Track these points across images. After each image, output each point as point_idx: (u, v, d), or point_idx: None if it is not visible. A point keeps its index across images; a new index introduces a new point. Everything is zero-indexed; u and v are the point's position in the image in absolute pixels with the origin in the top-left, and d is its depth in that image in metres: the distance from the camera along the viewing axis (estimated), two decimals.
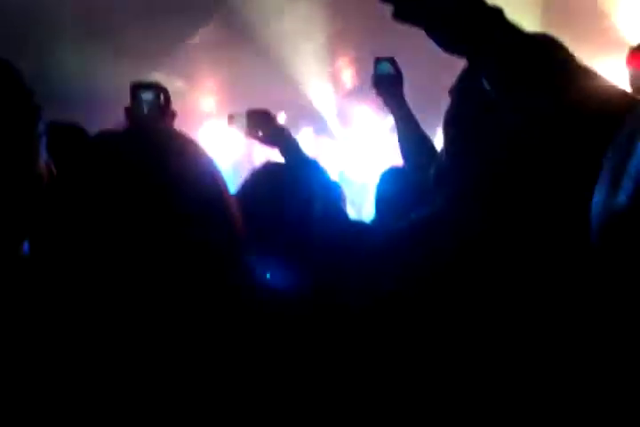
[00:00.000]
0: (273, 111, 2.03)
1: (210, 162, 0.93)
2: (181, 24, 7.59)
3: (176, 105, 1.96)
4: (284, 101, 8.00)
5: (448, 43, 0.84)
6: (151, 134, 0.94)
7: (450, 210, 1.07)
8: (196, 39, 7.98)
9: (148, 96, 1.88)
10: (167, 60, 7.68)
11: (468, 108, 1.11)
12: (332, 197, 1.84)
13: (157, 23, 7.29)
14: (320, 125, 8.94)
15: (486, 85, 0.84)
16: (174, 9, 7.11)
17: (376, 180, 2.23)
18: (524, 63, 0.80)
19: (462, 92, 1.12)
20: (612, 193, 0.55)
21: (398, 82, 2.00)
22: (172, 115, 1.93)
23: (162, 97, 1.90)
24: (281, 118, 9.54)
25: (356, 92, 7.78)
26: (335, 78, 8.31)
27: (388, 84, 1.98)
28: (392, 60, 2.02)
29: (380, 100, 2.01)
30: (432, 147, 1.86)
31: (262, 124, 1.95)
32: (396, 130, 1.97)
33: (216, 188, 0.91)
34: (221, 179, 0.93)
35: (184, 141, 0.93)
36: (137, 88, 1.90)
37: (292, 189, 1.69)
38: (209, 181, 0.90)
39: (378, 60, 2.02)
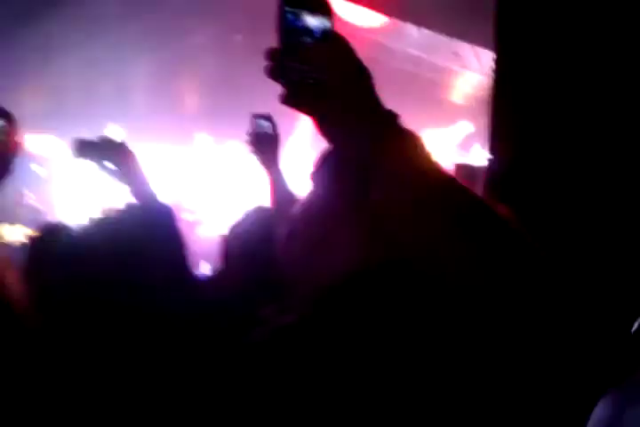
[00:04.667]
0: None
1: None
2: None
3: None
4: None
5: (334, 136, 0.75)
6: None
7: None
8: None
9: None
10: None
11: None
12: (178, 250, 1.58)
13: None
14: None
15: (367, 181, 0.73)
16: None
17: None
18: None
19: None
20: None
21: (274, 141, 1.87)
22: (16, 145, 1.59)
23: (7, 126, 1.57)
24: None
25: None
26: None
27: (264, 142, 1.86)
28: (270, 119, 1.88)
29: (255, 158, 1.87)
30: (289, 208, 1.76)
31: (117, 158, 1.66)
32: (269, 184, 1.85)
33: None
34: None
35: None
36: None
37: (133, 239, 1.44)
38: None
39: (255, 118, 1.87)
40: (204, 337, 1.35)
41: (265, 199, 1.92)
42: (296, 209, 1.27)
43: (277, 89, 0.75)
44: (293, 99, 0.72)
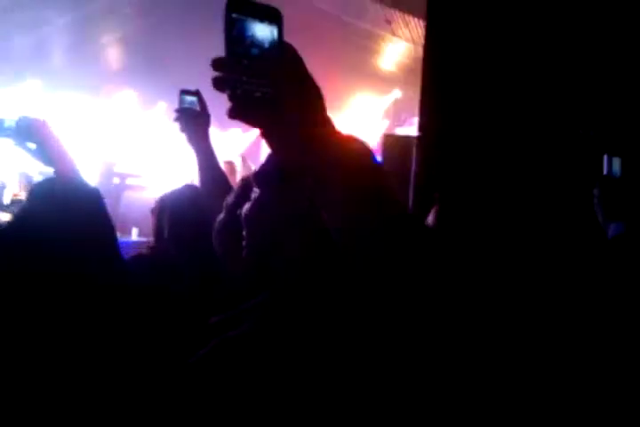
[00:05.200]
0: None
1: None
2: None
3: None
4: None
5: (279, 149, 0.72)
6: None
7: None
8: None
9: None
10: None
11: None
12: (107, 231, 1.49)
13: None
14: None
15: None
16: None
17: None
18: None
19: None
20: None
21: (203, 118, 1.78)
22: None
23: None
24: None
25: None
26: None
27: (192, 119, 1.76)
28: (198, 94, 1.78)
29: (184, 136, 1.78)
30: (228, 186, 1.71)
31: (34, 136, 1.53)
32: (196, 163, 1.78)
33: None
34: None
35: None
36: None
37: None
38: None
39: (183, 93, 1.78)
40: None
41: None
42: (232, 197, 1.24)
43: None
44: (238, 113, 0.68)
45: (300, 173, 0.72)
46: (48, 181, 1.48)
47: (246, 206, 0.99)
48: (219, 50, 0.71)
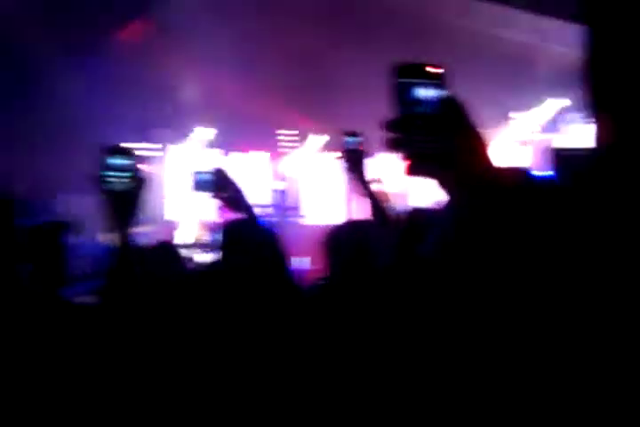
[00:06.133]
0: None
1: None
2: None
3: None
4: None
5: (455, 196, 0.77)
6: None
7: None
8: None
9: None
10: None
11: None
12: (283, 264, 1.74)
13: None
14: None
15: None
16: None
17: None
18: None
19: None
20: None
21: (363, 155, 1.86)
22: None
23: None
24: None
25: None
26: None
27: (354, 159, 1.85)
28: (356, 134, 1.88)
29: (347, 174, 1.87)
30: (384, 213, 1.79)
31: (229, 186, 1.72)
32: (363, 195, 1.89)
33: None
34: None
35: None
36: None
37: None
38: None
39: (345, 135, 1.87)
40: None
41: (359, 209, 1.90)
42: (399, 233, 1.25)
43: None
44: (417, 170, 0.73)
45: (475, 215, 0.76)
46: (238, 228, 1.66)
47: (427, 249, 0.98)
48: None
